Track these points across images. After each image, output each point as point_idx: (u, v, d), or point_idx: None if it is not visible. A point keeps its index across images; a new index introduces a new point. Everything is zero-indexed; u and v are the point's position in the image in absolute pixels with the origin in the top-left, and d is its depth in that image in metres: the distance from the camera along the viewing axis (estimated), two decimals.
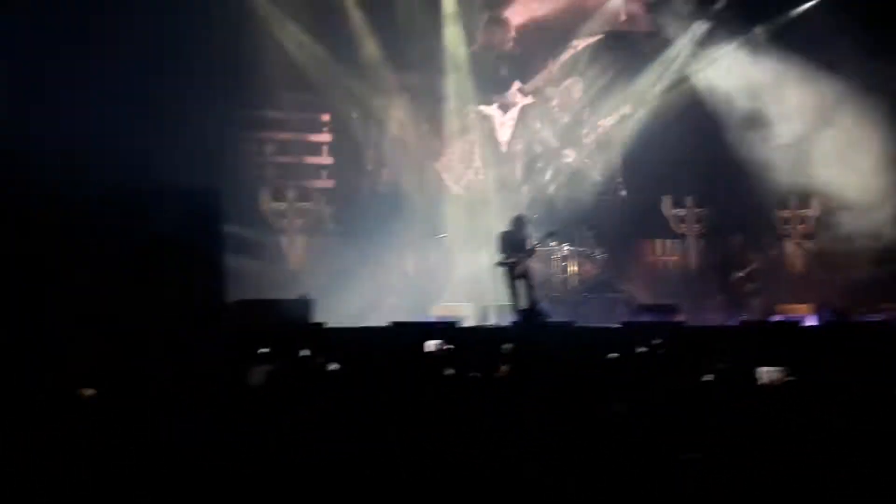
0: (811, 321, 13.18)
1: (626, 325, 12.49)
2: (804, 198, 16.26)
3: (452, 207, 15.97)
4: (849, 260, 15.10)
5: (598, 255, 15.56)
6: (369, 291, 14.07)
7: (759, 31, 15.78)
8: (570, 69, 16.59)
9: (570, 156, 16.65)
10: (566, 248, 15.22)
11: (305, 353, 8.07)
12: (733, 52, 15.83)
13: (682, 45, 16.19)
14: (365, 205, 15.72)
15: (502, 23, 16.57)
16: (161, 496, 3.85)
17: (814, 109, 15.21)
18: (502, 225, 13.28)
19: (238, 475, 3.92)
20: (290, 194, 15.86)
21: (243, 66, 14.80)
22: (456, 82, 15.99)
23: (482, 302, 13.94)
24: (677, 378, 6.53)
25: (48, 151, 11.51)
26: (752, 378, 6.35)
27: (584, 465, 4.03)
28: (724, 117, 15.73)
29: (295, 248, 15.76)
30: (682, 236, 16.61)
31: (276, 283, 14.14)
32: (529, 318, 12.29)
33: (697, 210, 16.54)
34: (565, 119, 16.73)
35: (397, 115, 15.99)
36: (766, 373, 6.48)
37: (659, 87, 16.26)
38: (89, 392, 5.71)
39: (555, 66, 16.54)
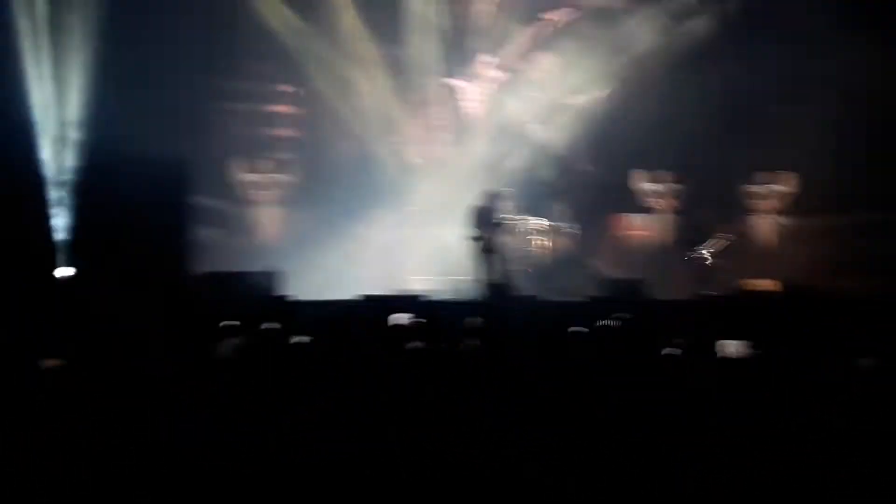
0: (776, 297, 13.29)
1: (593, 299, 12.57)
2: (776, 174, 16.35)
3: (421, 180, 15.95)
4: (816, 236, 15.24)
5: (569, 229, 15.58)
6: (337, 264, 14.04)
7: (731, 4, 15.79)
8: (540, 43, 16.50)
9: (540, 130, 16.61)
10: (537, 221, 15.24)
11: (271, 325, 8.04)
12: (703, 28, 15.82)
13: (656, 18, 16.14)
14: (332, 177, 15.66)
15: None
16: (161, 496, 3.84)
17: (786, 84, 15.26)
18: (473, 199, 13.27)
19: (238, 475, 3.91)
20: (259, 165, 15.78)
21: (216, 34, 14.68)
22: (423, 53, 15.88)
23: (451, 275, 13.95)
24: (640, 352, 6.56)
25: (16, 120, 11.43)
26: (713, 352, 6.38)
27: (573, 459, 4.04)
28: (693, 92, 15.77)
29: (263, 219, 15.70)
30: (655, 211, 16.68)
31: (242, 255, 14.09)
32: (498, 292, 12.33)
33: (671, 185, 16.59)
34: (535, 93, 16.65)
35: (365, 87, 15.89)
36: (729, 346, 6.51)
37: (630, 63, 16.20)
38: (53, 363, 5.68)
39: (524, 39, 16.44)
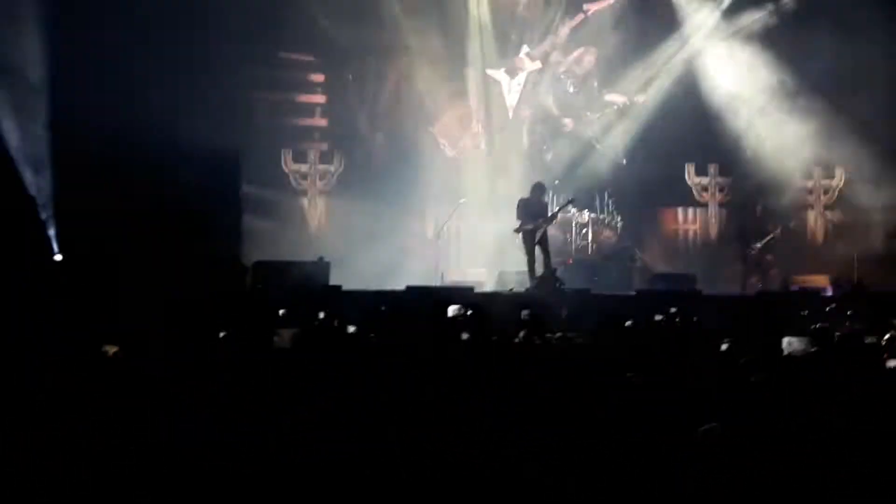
0: (828, 292, 13.16)
1: (641, 293, 12.54)
2: (828, 168, 16.17)
3: (467, 172, 15.92)
4: (867, 232, 15.04)
5: (617, 222, 15.54)
6: (387, 255, 14.10)
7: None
8: (582, 35, 16.11)
9: (584, 123, 16.39)
10: (585, 215, 15.20)
11: (327, 316, 8.13)
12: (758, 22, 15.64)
13: (706, 14, 15.95)
14: (381, 168, 15.71)
15: None
16: (161, 496, 3.88)
17: (839, 79, 15.07)
18: (520, 191, 13.28)
19: (238, 475, 3.95)
20: (311, 156, 15.90)
21: (262, 24, 14.82)
22: (467, 46, 15.79)
23: (498, 268, 13.97)
24: (692, 348, 6.53)
25: (79, 116, 11.65)
26: (775, 349, 6.29)
27: (573, 459, 4.05)
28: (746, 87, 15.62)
29: (314, 210, 15.81)
30: (705, 205, 16.53)
31: (294, 245, 14.21)
32: (546, 284, 12.33)
33: (721, 179, 16.44)
34: (579, 86, 16.33)
35: (411, 77, 15.86)
36: (790, 343, 6.42)
37: (679, 57, 16.01)
38: (113, 349, 5.80)
39: (565, 32, 16.08)
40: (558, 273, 12.73)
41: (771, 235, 14.73)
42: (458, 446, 4.09)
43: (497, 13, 15.95)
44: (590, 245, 15.16)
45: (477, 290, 12.18)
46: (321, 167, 15.84)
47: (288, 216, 15.50)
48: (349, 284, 11.61)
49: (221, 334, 6.39)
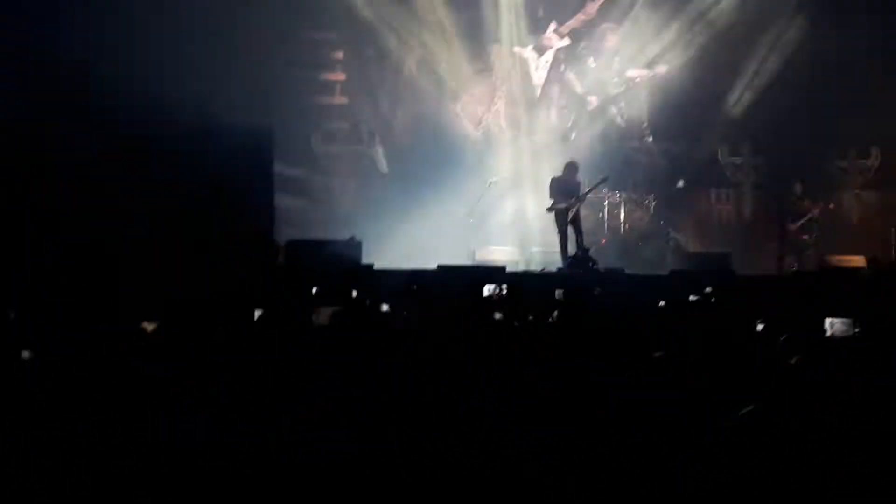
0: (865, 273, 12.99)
1: (674, 273, 12.44)
2: (864, 148, 15.93)
3: (499, 150, 15.83)
4: None
5: (649, 202, 15.41)
6: (419, 233, 14.08)
7: None
8: (611, 11, 15.87)
9: (609, 101, 16.21)
10: (617, 194, 15.08)
11: (360, 295, 8.14)
12: None
13: None
14: (412, 146, 15.67)
15: None
16: (161, 496, 3.88)
17: (880, 56, 14.82)
18: (550, 171, 13.20)
19: (238, 475, 3.95)
20: (342, 136, 15.88)
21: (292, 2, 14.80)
22: (494, 22, 15.62)
23: (529, 247, 13.92)
24: (728, 327, 6.46)
25: (108, 90, 11.70)
26: (818, 330, 6.20)
27: (573, 459, 4.03)
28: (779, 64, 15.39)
29: (346, 189, 15.82)
30: (738, 185, 16.35)
31: (324, 224, 14.23)
32: (579, 264, 12.27)
33: (754, 158, 16.24)
34: (610, 64, 16.11)
35: (441, 55, 15.75)
36: (832, 324, 6.32)
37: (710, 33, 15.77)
38: (151, 326, 5.83)
39: (594, 7, 15.85)
40: (591, 252, 12.66)
41: (809, 215, 14.56)
42: (458, 446, 4.07)
43: None
44: (622, 225, 15.04)
45: (508, 269, 12.13)
46: (352, 147, 15.83)
47: (318, 195, 15.51)
48: (380, 263, 11.61)
49: (257, 313, 6.41)
